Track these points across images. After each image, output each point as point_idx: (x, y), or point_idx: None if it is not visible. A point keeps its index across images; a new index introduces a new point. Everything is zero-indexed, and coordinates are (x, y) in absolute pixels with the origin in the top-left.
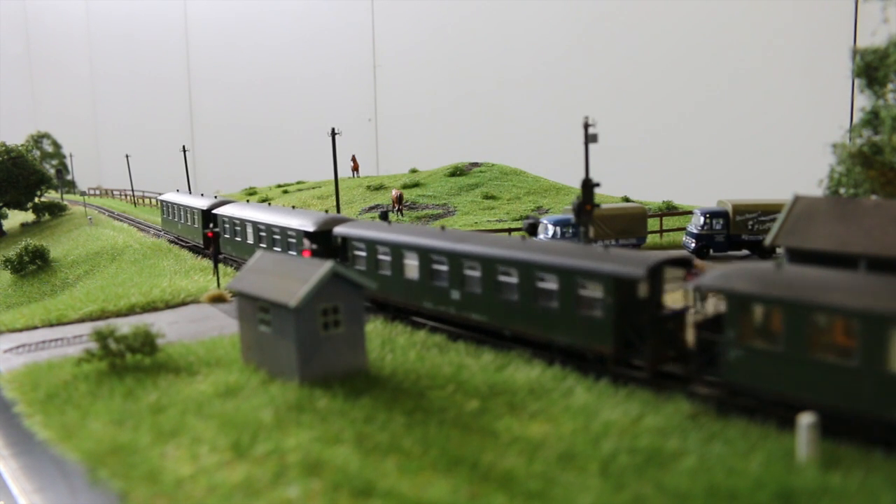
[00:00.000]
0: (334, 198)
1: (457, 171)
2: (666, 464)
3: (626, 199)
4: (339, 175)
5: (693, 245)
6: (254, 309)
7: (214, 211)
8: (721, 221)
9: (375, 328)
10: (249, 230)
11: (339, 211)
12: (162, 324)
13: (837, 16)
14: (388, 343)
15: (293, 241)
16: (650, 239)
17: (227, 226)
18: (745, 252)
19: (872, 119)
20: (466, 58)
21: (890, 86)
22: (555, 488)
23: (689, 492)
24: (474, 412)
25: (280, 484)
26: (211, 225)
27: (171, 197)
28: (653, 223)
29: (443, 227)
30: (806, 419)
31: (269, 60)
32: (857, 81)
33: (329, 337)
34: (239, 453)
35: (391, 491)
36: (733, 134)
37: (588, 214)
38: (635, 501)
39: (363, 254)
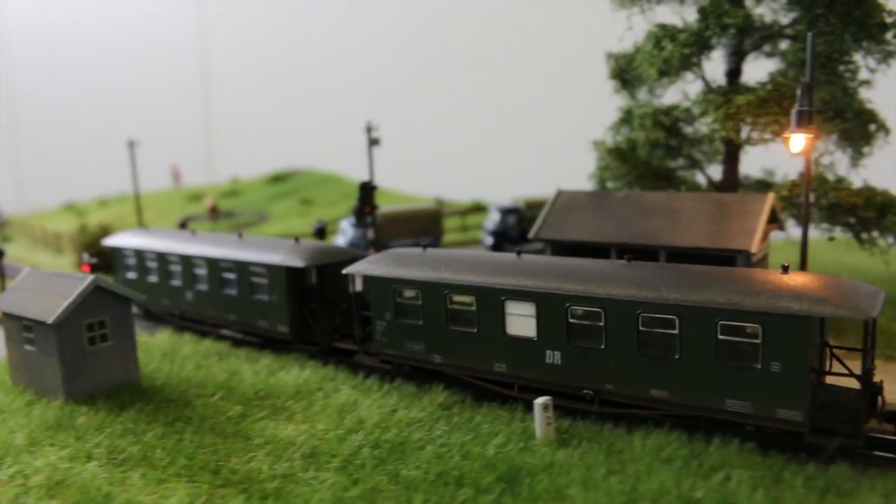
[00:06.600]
0: (151, 209)
1: (277, 178)
2: (407, 455)
3: (439, 200)
4: (162, 186)
5: (490, 241)
6: (18, 328)
7: (366, 272)
8: (514, 217)
9: (163, 339)
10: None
11: (141, 224)
12: None
13: (609, 23)
14: (169, 354)
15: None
16: (453, 236)
17: (420, 305)
18: (539, 246)
19: (628, 117)
20: (291, 67)
21: (642, 87)
22: (292, 487)
23: (421, 480)
24: (235, 417)
25: None
26: (89, 261)
27: (157, 242)
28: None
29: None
30: (540, 401)
31: (98, 71)
32: (613, 83)
33: (96, 351)
34: None
35: (129, 502)
36: (535, 134)
37: (368, 216)
38: (369, 493)
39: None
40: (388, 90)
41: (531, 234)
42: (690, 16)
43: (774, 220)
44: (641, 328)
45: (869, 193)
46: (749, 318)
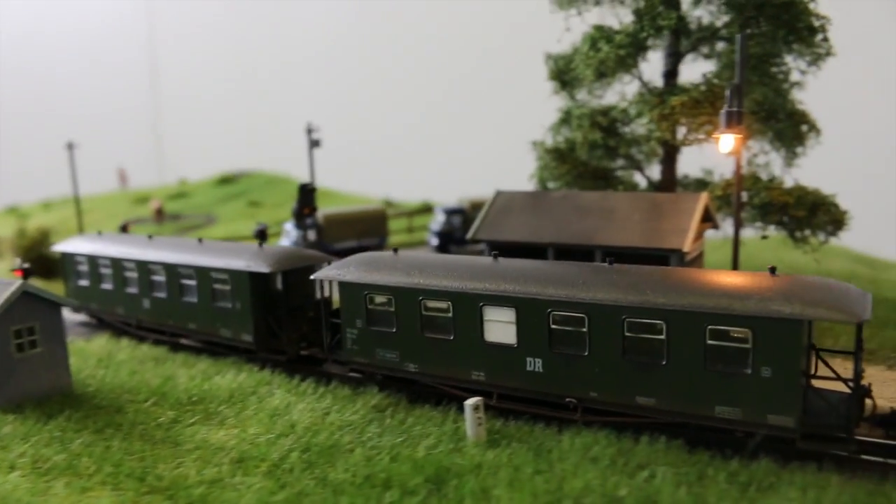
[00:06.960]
0: (96, 212)
1: (225, 180)
2: (336, 459)
3: (388, 201)
4: (108, 188)
5: (436, 242)
6: None
7: (335, 277)
8: (459, 218)
9: (99, 344)
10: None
11: (81, 228)
12: None
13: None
14: (105, 360)
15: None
16: (400, 238)
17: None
18: (482, 246)
19: (567, 118)
20: (239, 69)
21: (581, 88)
22: (219, 492)
23: (349, 483)
24: (166, 423)
25: None
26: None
27: (111, 248)
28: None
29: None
30: (471, 401)
31: (44, 72)
32: (552, 84)
33: (25, 358)
34: None
35: None
36: (482, 134)
37: (308, 218)
38: (295, 498)
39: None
40: (337, 92)
41: (469, 235)
42: (627, 17)
43: (709, 219)
44: (627, 333)
45: (800, 192)
46: (739, 323)
